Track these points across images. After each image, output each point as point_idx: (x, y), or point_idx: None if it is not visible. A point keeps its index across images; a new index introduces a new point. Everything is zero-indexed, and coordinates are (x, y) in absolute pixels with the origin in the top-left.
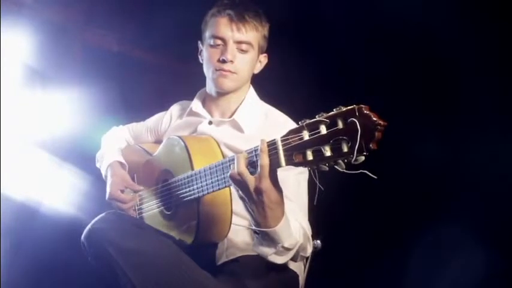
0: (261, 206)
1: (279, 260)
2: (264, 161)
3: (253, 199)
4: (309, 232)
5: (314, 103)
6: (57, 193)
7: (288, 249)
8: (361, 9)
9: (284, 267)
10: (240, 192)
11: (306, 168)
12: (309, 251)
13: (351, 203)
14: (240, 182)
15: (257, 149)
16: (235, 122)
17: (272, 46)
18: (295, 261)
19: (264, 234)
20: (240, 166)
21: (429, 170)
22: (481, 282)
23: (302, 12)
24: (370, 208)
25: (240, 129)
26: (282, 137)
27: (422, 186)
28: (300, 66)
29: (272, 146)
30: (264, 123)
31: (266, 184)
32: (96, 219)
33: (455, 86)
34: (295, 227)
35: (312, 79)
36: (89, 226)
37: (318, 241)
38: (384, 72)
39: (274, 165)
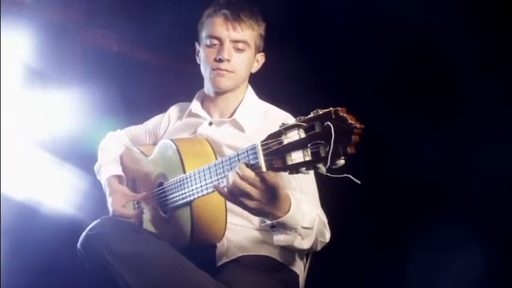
0: (273, 200)
1: (306, 243)
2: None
3: (264, 197)
4: (324, 219)
5: (314, 102)
6: (57, 193)
7: (309, 228)
8: (360, 7)
9: (285, 267)
10: (252, 193)
11: None
12: (327, 236)
13: (351, 203)
14: (246, 187)
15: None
16: (236, 121)
17: (270, 45)
18: (316, 249)
19: (282, 224)
20: (245, 171)
21: (429, 170)
22: (481, 282)
23: (301, 11)
24: (370, 208)
25: (241, 128)
26: (261, 142)
27: (422, 187)
28: (298, 65)
29: (252, 150)
30: (264, 121)
31: (272, 179)
32: (91, 225)
33: (456, 85)
34: (308, 207)
35: (311, 78)
36: (84, 233)
37: None
38: (384, 70)
39: (255, 170)
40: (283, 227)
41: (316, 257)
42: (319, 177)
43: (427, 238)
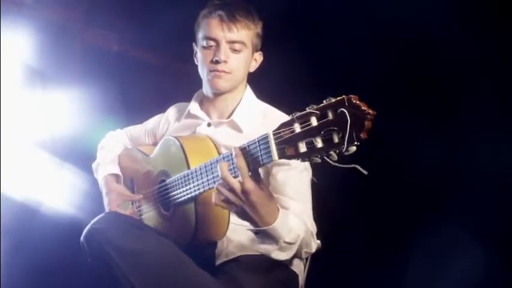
0: (252, 205)
1: (283, 256)
2: (240, 163)
3: (243, 201)
4: (313, 229)
5: (313, 101)
6: (57, 193)
7: (291, 244)
8: (360, 7)
9: (284, 267)
10: (230, 198)
11: (309, 167)
12: (314, 247)
13: (352, 202)
14: (226, 187)
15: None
16: (234, 122)
17: (270, 44)
18: (300, 257)
19: (264, 233)
20: (224, 172)
21: (429, 170)
22: (481, 282)
23: (300, 9)
24: (370, 208)
25: (238, 129)
26: (273, 131)
27: (423, 187)
28: (298, 64)
29: (264, 140)
30: (262, 122)
31: (250, 184)
32: (95, 219)
33: (456, 85)
34: (296, 222)
35: (310, 77)
36: (88, 226)
37: (318, 241)
38: (384, 70)
39: (265, 160)
40: (265, 237)
41: (316, 256)
42: (318, 176)
43: (427, 238)
